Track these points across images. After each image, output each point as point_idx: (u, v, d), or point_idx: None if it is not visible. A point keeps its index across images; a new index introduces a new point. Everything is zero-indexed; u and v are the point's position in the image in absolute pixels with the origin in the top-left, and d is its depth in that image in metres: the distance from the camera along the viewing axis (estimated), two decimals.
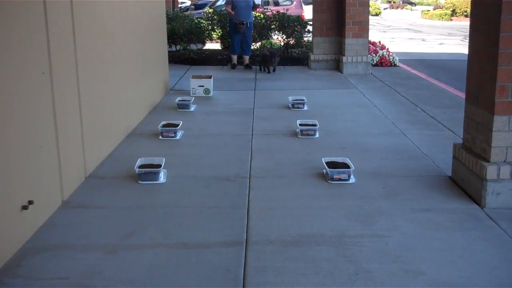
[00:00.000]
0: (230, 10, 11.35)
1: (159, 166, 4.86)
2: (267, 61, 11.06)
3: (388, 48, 13.32)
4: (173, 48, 13.80)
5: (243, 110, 7.71)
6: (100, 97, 5.26)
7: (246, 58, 11.98)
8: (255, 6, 11.71)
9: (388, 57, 12.64)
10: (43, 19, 3.95)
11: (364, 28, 11.29)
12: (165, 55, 9.20)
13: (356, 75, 11.00)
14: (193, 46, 13.94)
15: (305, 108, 7.79)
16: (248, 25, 11.54)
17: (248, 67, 11.89)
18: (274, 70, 11.11)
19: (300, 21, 13.90)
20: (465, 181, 4.54)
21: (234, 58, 12.00)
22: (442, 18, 39.68)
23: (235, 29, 11.46)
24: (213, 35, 14.42)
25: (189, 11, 19.45)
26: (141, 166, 4.83)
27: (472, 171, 4.37)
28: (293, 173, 5.04)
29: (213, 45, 15.38)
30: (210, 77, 8.91)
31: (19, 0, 3.60)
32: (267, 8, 15.41)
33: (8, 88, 3.41)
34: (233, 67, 11.92)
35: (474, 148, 4.49)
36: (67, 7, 4.45)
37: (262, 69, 11.38)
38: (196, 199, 4.40)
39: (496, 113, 4.12)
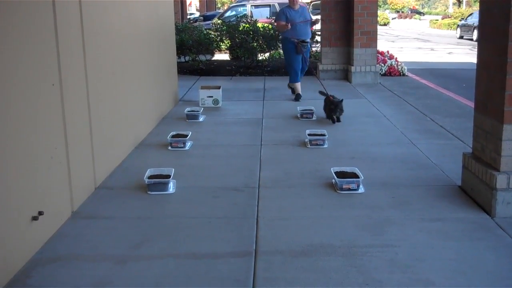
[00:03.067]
0: (284, 25, 9.09)
1: (168, 176, 4.87)
2: (331, 110, 7.63)
3: (396, 58, 13.33)
4: (182, 59, 13.88)
5: (252, 120, 7.73)
6: (109, 108, 5.29)
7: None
8: (313, 22, 9.53)
9: (397, 66, 12.64)
10: (53, 30, 3.99)
11: (372, 38, 11.30)
12: (174, 66, 9.25)
13: (364, 85, 10.99)
14: (202, 57, 14.01)
15: (314, 118, 7.80)
16: (308, 46, 9.44)
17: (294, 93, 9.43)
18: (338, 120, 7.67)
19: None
20: (474, 190, 4.52)
21: (298, 87, 9.44)
22: (451, 27, 39.66)
23: (295, 50, 9.17)
24: (222, 46, 14.48)
25: (198, 22, 19.52)
26: (150, 177, 4.84)
27: (482, 180, 4.35)
28: (302, 183, 5.04)
29: (222, 56, 15.46)
30: (219, 87, 8.95)
31: (30, 12, 3.65)
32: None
33: (18, 99, 3.44)
34: (298, 98, 9.33)
35: (483, 157, 4.48)
36: (77, 19, 4.49)
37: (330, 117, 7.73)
38: (205, 210, 4.41)
39: (506, 122, 4.11)
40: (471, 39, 28.19)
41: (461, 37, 30.71)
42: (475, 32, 27.15)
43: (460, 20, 34.80)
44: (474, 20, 28.10)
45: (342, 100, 7.50)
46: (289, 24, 9.01)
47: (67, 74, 4.20)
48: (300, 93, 9.38)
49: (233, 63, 14.07)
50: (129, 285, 3.24)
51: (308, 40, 9.31)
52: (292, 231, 3.98)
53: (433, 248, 3.68)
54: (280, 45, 14.04)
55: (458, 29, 32.02)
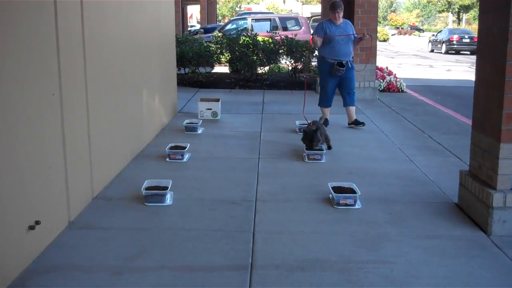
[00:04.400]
0: (317, 41, 7.95)
1: (165, 188, 4.88)
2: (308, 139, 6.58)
3: (395, 74, 13.38)
4: (182, 71, 13.92)
5: (250, 134, 7.75)
6: (108, 118, 5.31)
7: (353, 111, 8.27)
8: (359, 39, 8.09)
9: (396, 83, 12.69)
10: (54, 40, 4.02)
11: (371, 54, 11.33)
12: (173, 78, 9.28)
13: (363, 100, 11.02)
14: (201, 69, 14.05)
15: None
16: (350, 65, 8.04)
17: (358, 123, 8.19)
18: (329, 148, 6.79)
19: (308, 46, 14.00)
20: (471, 208, 4.53)
21: (326, 112, 8.27)
22: None
23: (330, 72, 7.96)
24: (222, 59, 14.54)
25: (198, 35, 19.62)
26: (147, 188, 4.85)
27: (479, 198, 4.36)
28: (299, 197, 5.05)
29: (222, 69, 15.50)
30: (218, 100, 8.98)
31: (31, 21, 3.67)
32: (275, 33, 15.51)
33: (18, 109, 3.46)
34: (325, 123, 7.95)
35: (480, 175, 4.49)
36: (78, 29, 4.52)
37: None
38: (202, 222, 4.41)
39: (503, 140, 4.13)
40: (440, 52, 33.55)
41: (431, 51, 35.36)
42: (444, 46, 33.54)
43: (431, 36, 39.63)
44: (443, 36, 34.41)
45: (317, 130, 6.48)
46: (317, 39, 7.90)
47: (67, 84, 4.21)
48: (328, 119, 8.20)
49: (232, 76, 14.11)
50: None
51: (348, 60, 7.96)
52: (288, 245, 3.98)
53: (428, 265, 3.68)
54: (280, 59, 14.20)
55: (430, 44, 36.72)
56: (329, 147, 6.80)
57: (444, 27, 57.56)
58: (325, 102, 8.22)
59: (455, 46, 32.75)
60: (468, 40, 32.48)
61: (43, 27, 3.86)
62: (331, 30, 7.91)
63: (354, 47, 8.16)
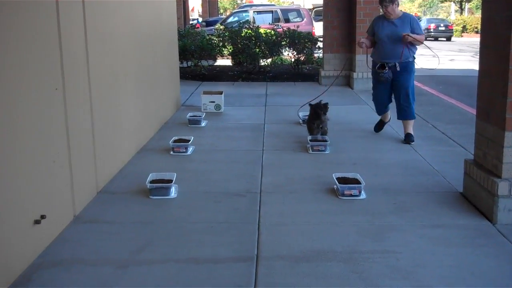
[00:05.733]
0: (362, 41, 6.93)
1: (170, 181, 4.88)
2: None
3: None
4: (185, 64, 13.91)
5: (254, 126, 7.74)
6: (112, 112, 5.31)
7: (410, 125, 6.86)
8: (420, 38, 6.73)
9: None
10: (57, 34, 4.01)
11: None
12: (176, 71, 9.27)
13: (366, 91, 10.94)
14: (204, 62, 14.03)
15: None
16: (399, 69, 6.66)
17: (409, 139, 6.73)
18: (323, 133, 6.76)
19: (310, 38, 13.98)
20: (476, 197, 4.52)
21: (383, 116, 7.33)
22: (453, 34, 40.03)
23: (375, 77, 6.96)
24: (224, 52, 14.51)
25: (200, 28, 19.57)
26: (152, 181, 4.85)
27: (484, 187, 4.35)
28: (304, 188, 5.04)
29: (224, 61, 15.48)
30: (221, 93, 8.96)
31: (33, 16, 3.66)
32: (277, 25, 15.46)
33: (22, 104, 3.46)
34: (380, 127, 7.35)
35: (485, 164, 4.48)
36: (80, 23, 4.51)
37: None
38: (207, 215, 4.41)
39: (507, 129, 4.11)
40: None
41: None
42: None
43: None
44: (422, 25, 35.49)
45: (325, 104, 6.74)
46: (361, 39, 6.98)
47: (70, 79, 4.21)
48: (384, 122, 7.33)
49: (235, 69, 14.09)
50: None
51: (396, 62, 6.64)
52: (294, 236, 3.98)
53: (434, 255, 3.68)
54: (282, 51, 14.16)
55: None
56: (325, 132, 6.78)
57: (447, 17, 57.51)
58: (377, 110, 7.28)
59: (432, 33, 36.98)
60: (443, 28, 37.61)
61: (45, 21, 3.85)
62: (380, 27, 6.75)
63: (418, 43, 6.78)
